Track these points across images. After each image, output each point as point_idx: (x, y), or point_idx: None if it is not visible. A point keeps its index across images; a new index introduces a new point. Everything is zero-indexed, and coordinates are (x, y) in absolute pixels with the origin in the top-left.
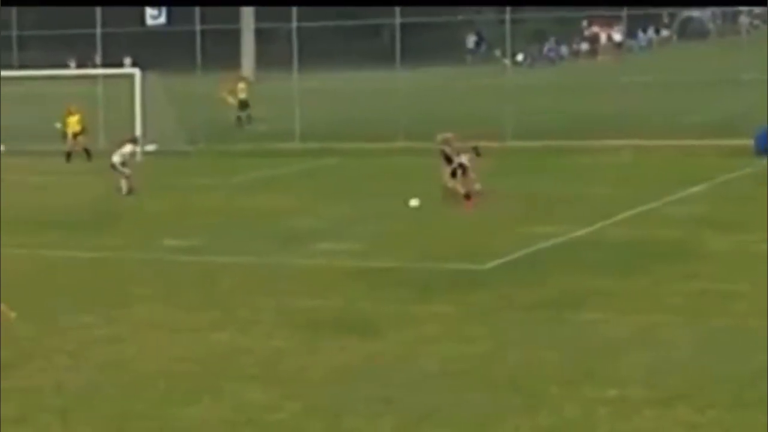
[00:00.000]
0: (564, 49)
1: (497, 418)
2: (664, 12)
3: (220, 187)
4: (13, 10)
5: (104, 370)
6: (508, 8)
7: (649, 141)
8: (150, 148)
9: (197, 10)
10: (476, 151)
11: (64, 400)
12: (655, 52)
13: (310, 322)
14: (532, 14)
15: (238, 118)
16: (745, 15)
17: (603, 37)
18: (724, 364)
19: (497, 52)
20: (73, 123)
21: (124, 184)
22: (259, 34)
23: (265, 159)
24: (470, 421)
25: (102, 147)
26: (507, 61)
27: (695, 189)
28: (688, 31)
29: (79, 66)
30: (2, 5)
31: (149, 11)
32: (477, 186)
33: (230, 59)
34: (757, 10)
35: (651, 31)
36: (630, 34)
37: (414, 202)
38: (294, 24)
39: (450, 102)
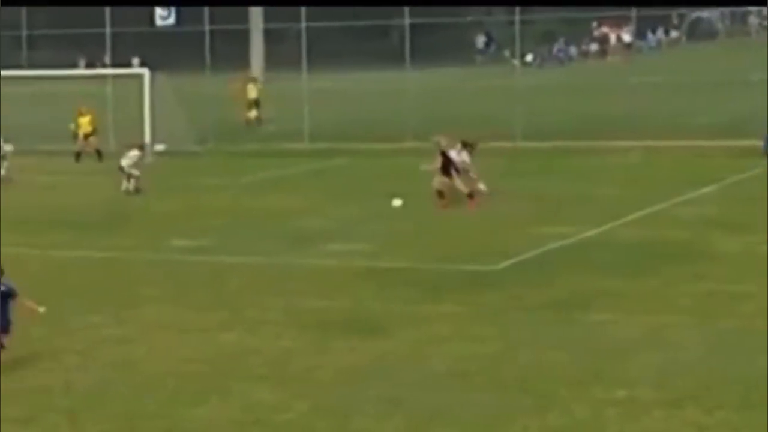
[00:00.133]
0: (573, 50)
1: (506, 418)
2: (674, 13)
3: (229, 188)
4: (23, 10)
5: (113, 370)
6: (517, 9)
7: (658, 142)
8: (159, 148)
9: (206, 10)
10: (463, 144)
11: (73, 400)
12: (664, 52)
13: (319, 323)
14: (542, 15)
15: (255, 119)
16: (754, 16)
17: (612, 38)
18: (732, 365)
19: (506, 53)
20: (85, 124)
21: (128, 184)
22: (268, 34)
23: (274, 159)
24: (479, 421)
25: (112, 147)
26: (516, 62)
27: (704, 190)
28: (697, 32)
29: (88, 66)
30: (2, 5)
31: (158, 11)
32: (481, 186)
33: (239, 59)
34: (765, 11)
35: (660, 32)
36: (639, 34)
37: (397, 202)
38: (303, 24)
39: (459, 103)
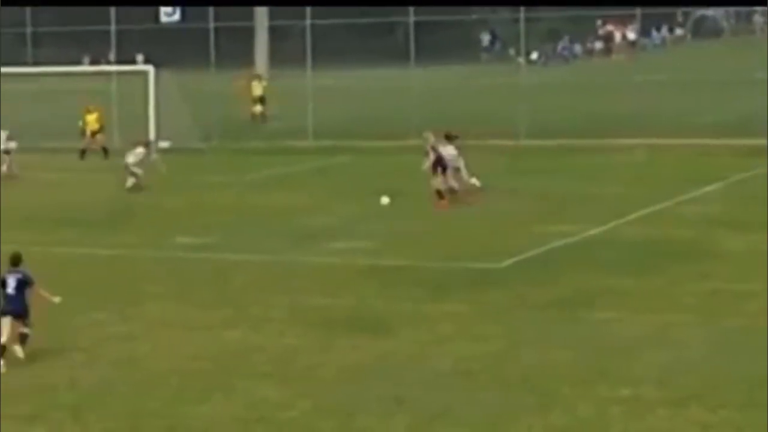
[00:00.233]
0: (578, 48)
1: (510, 417)
2: (678, 11)
3: (233, 185)
4: (27, 9)
5: (118, 367)
6: (522, 7)
7: (662, 140)
8: (164, 145)
9: (211, 7)
10: (447, 137)
11: (77, 397)
12: (669, 50)
13: (323, 321)
14: (547, 13)
15: (260, 115)
16: (759, 14)
17: (617, 36)
18: (736, 363)
19: (511, 51)
20: (92, 121)
21: (131, 181)
22: (272, 31)
23: (278, 156)
24: (483, 420)
25: (116, 144)
26: (521, 60)
27: (709, 188)
28: (702, 30)
29: (93, 63)
30: (2, 5)
31: (163, 8)
32: (474, 180)
33: (244, 57)
34: None
35: (665, 30)
36: (644, 32)
37: (385, 200)
38: (308, 21)
39: (464, 100)
